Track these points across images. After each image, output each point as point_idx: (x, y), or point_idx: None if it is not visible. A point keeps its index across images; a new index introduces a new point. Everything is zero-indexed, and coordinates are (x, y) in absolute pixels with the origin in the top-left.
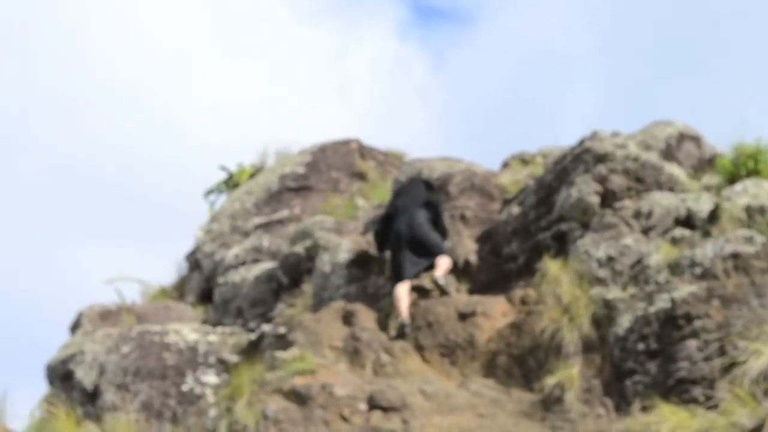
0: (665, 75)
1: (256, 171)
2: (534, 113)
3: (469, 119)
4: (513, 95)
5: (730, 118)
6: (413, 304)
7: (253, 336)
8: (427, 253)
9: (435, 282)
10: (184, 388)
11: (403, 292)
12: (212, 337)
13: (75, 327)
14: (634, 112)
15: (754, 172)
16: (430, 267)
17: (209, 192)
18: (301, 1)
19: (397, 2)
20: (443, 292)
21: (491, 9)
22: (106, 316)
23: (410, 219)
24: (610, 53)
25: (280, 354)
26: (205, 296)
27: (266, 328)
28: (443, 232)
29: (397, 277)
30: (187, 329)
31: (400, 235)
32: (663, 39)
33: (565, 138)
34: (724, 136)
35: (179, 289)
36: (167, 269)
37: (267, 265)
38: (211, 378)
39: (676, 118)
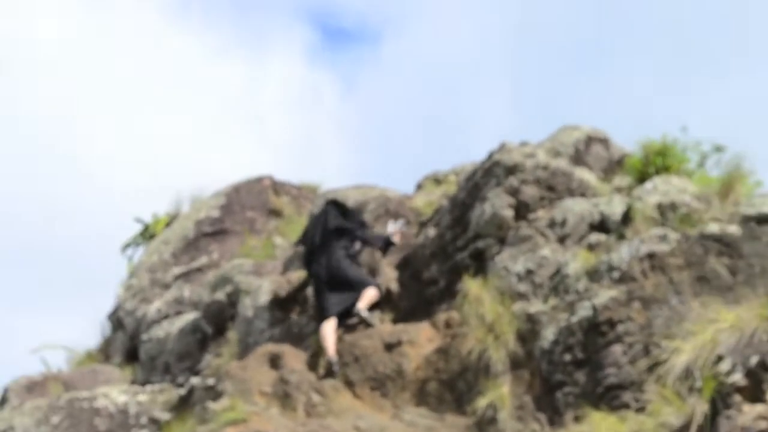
0: (571, 78)
1: (171, 219)
2: (446, 129)
3: (383, 141)
4: (424, 113)
5: (640, 114)
6: (339, 340)
7: (182, 391)
8: (350, 289)
9: (357, 314)
10: None
11: (328, 330)
12: (142, 397)
13: (2, 402)
14: (545, 118)
15: (663, 169)
16: (356, 301)
17: (126, 246)
18: (206, 37)
19: (303, 26)
20: (367, 324)
21: (397, 27)
22: (33, 387)
23: (327, 259)
24: (515, 62)
25: (211, 405)
26: (131, 355)
27: (195, 381)
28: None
29: (321, 316)
30: (116, 392)
31: (319, 277)
32: (567, 41)
33: (479, 152)
34: (634, 133)
35: (104, 351)
36: (90, 331)
37: (190, 316)
38: None
39: (584, 120)
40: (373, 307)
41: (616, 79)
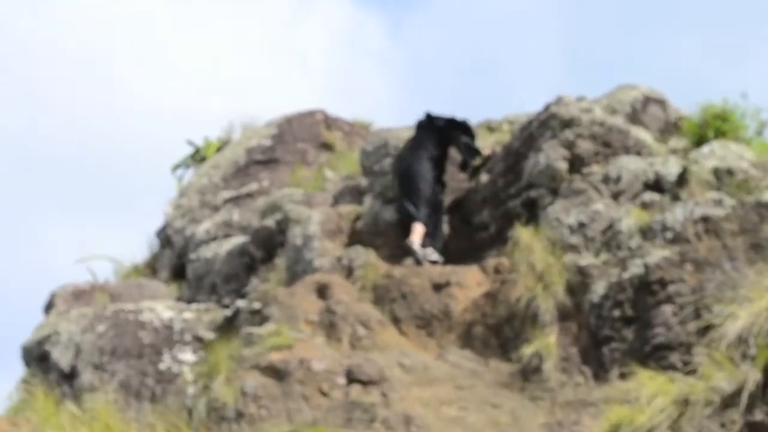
0: (627, 36)
1: (222, 145)
2: (495, 79)
3: (430, 86)
4: (473, 60)
5: (697, 79)
6: (388, 276)
7: (228, 312)
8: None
9: (408, 247)
10: (162, 366)
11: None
12: (187, 315)
13: (48, 308)
14: (597, 74)
15: (721, 134)
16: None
17: (176, 166)
18: None
19: None
20: (417, 260)
21: None
22: (80, 295)
23: (410, 159)
24: (569, 14)
25: (256, 330)
26: (178, 273)
27: (241, 303)
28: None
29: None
30: (162, 307)
31: (397, 175)
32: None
33: (529, 103)
34: (691, 97)
35: (151, 266)
36: (138, 246)
37: (238, 240)
38: (187, 356)
39: (640, 80)
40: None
41: (668, 41)
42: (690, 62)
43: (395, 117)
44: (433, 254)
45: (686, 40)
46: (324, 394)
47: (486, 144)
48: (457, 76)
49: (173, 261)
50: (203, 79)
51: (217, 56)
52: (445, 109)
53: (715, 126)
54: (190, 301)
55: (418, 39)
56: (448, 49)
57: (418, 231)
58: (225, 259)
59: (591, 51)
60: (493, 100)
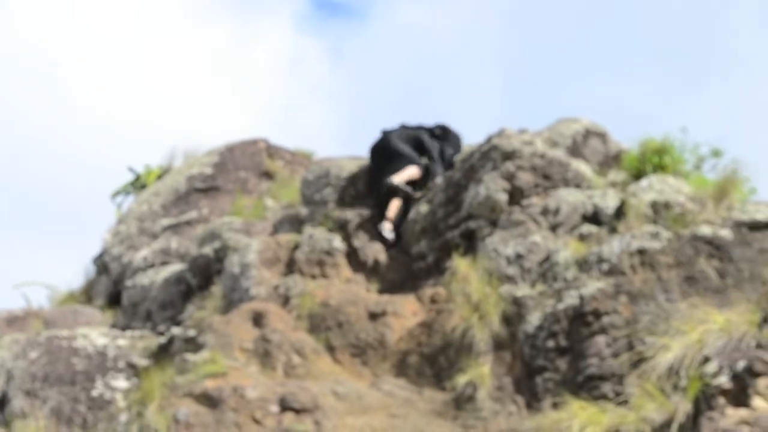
0: (567, 71)
1: (163, 172)
2: (434, 109)
3: (369, 114)
4: (412, 90)
5: (633, 114)
6: (324, 305)
7: (162, 339)
8: (401, 162)
9: (391, 185)
10: (94, 393)
11: (395, 203)
12: (121, 341)
13: None
14: (536, 107)
15: (660, 168)
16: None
17: (116, 193)
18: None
19: None
20: (407, 195)
21: (390, 1)
22: (13, 321)
23: (387, 141)
24: (510, 46)
25: (191, 357)
26: (114, 300)
27: (176, 331)
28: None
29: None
30: (96, 333)
31: (376, 153)
32: (565, 34)
33: (466, 135)
34: (628, 132)
35: (87, 293)
36: (75, 273)
37: (176, 267)
38: (121, 383)
39: (581, 114)
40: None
41: (611, 80)
42: (630, 98)
43: (334, 145)
44: (390, 233)
45: (627, 77)
46: (257, 422)
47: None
48: (397, 105)
49: (109, 288)
50: (144, 103)
51: (156, 81)
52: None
53: (654, 160)
54: (125, 328)
55: (357, 66)
56: (387, 78)
57: (407, 172)
58: (161, 287)
59: (530, 84)
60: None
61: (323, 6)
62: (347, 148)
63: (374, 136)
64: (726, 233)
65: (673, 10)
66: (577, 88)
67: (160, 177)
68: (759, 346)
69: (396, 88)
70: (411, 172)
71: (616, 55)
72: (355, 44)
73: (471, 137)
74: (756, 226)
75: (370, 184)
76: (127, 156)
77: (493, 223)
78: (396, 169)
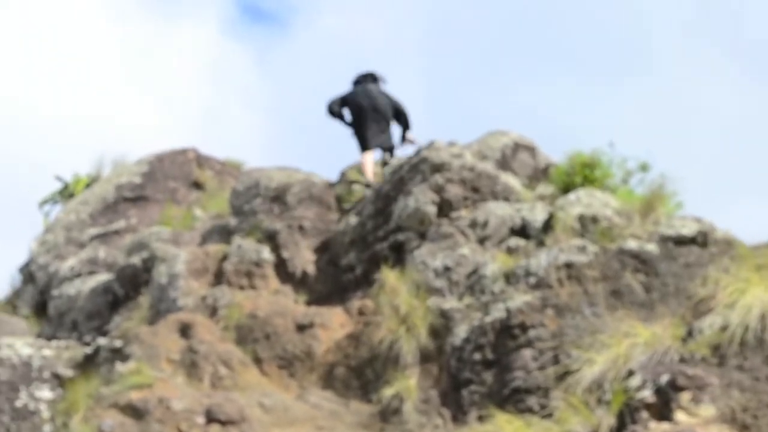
0: (489, 77)
1: (92, 181)
2: None
3: (294, 123)
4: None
5: (554, 122)
6: (252, 316)
7: (88, 350)
8: (388, 131)
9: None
10: (18, 403)
11: (369, 159)
12: (47, 351)
13: None
14: (456, 113)
15: (588, 182)
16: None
17: (44, 202)
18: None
19: (221, 1)
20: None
21: (314, 9)
22: None
23: (372, 96)
24: (431, 56)
25: (117, 368)
26: (40, 309)
27: (102, 341)
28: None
29: (363, 147)
30: (21, 343)
31: (362, 109)
32: (488, 41)
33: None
34: (550, 140)
35: (12, 303)
36: (0, 282)
37: (103, 277)
38: (45, 393)
39: (510, 127)
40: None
41: (535, 89)
42: (551, 105)
43: (260, 153)
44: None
45: (549, 85)
46: None
47: (358, 187)
48: (322, 113)
49: (35, 297)
50: (68, 108)
51: (76, 81)
52: (308, 153)
53: (582, 174)
54: (50, 338)
55: (282, 74)
56: (312, 86)
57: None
58: (88, 297)
59: (453, 91)
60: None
61: (249, 11)
62: (272, 156)
63: (293, 145)
64: (652, 248)
65: (592, 21)
66: (499, 95)
67: (88, 186)
68: (682, 360)
69: (321, 96)
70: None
71: (537, 62)
72: (280, 52)
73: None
74: (681, 241)
75: (352, 111)
76: (50, 160)
77: (422, 236)
78: (382, 131)
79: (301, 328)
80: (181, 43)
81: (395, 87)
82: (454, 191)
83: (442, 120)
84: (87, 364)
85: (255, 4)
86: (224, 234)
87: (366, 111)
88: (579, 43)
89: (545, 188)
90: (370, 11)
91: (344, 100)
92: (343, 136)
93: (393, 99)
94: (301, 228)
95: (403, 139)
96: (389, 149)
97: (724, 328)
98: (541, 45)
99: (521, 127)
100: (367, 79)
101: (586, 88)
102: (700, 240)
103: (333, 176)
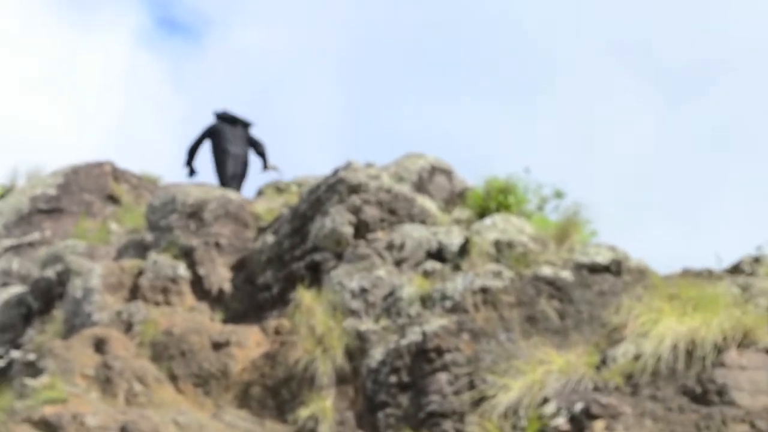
0: (404, 96)
1: (5, 192)
2: (275, 137)
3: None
4: (250, 113)
5: (482, 152)
6: (168, 334)
7: (1, 362)
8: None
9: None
10: None
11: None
12: None
13: None
14: (371, 135)
15: (503, 207)
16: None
17: None
18: (31, 8)
19: (136, 11)
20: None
21: (229, 22)
22: None
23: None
24: (346, 75)
25: (30, 382)
26: None
27: (15, 354)
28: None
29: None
30: None
31: (235, 156)
32: (403, 60)
33: (306, 159)
34: (476, 170)
35: None
36: None
37: (16, 290)
38: None
39: (427, 150)
40: None
41: (454, 113)
42: (464, 124)
43: (174, 165)
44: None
45: (463, 105)
46: None
47: (275, 205)
48: None
49: None
50: None
51: None
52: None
53: (498, 199)
54: None
55: (195, 88)
56: (226, 100)
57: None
58: (1, 309)
59: (368, 107)
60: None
61: (164, 24)
62: (178, 171)
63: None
64: (567, 275)
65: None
66: (413, 116)
67: (2, 197)
68: (596, 388)
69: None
70: None
71: (452, 84)
72: (194, 64)
73: (310, 161)
74: (596, 269)
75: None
76: None
77: (339, 256)
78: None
79: (217, 346)
80: (95, 52)
81: (309, 104)
82: (371, 213)
83: (356, 139)
84: (0, 378)
85: (170, 16)
86: (140, 249)
87: (228, 154)
88: (494, 67)
89: (461, 212)
90: (285, 26)
91: (210, 132)
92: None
93: (254, 139)
94: (217, 245)
95: (265, 167)
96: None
97: (637, 357)
98: (457, 67)
99: (436, 149)
100: (237, 122)
101: (500, 112)
102: (614, 268)
103: (249, 193)
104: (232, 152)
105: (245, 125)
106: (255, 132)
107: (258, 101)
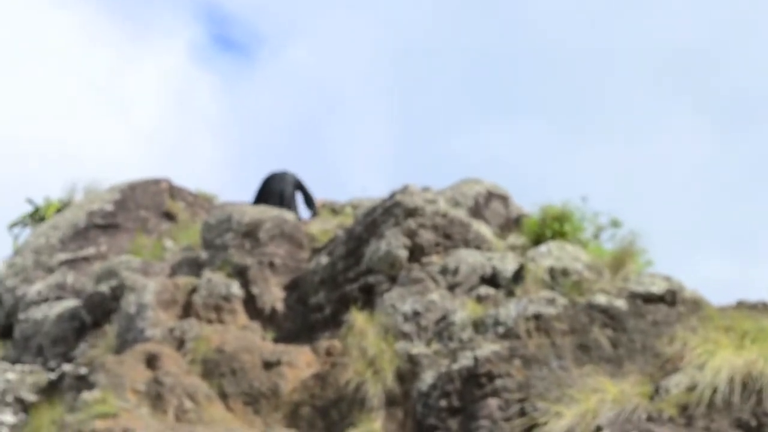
0: (458, 119)
1: (63, 206)
2: (322, 155)
3: (257, 156)
4: (300, 133)
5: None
6: (219, 350)
7: (53, 375)
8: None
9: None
10: None
11: None
12: (11, 375)
13: None
14: (423, 152)
15: (559, 234)
16: None
17: (13, 224)
18: (87, 19)
19: (192, 26)
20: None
21: (282, 41)
22: None
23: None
24: (399, 96)
25: (82, 395)
26: (5, 332)
27: (67, 368)
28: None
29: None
30: None
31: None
32: (457, 83)
33: (357, 180)
34: (533, 194)
35: None
36: None
37: (70, 303)
38: (8, 417)
39: (479, 173)
40: None
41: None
42: (519, 149)
43: (219, 182)
44: None
45: (517, 131)
46: None
47: (329, 227)
48: (285, 148)
49: (1, 320)
50: (38, 129)
51: (47, 103)
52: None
53: (553, 226)
54: (15, 361)
55: (247, 105)
56: (277, 120)
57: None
58: (54, 322)
59: (420, 130)
60: (323, 177)
61: (219, 40)
62: (233, 188)
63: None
64: (621, 303)
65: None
66: (467, 136)
67: (59, 210)
68: (650, 418)
69: (285, 130)
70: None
71: (506, 106)
72: (246, 83)
73: (364, 182)
74: (650, 299)
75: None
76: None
77: (392, 279)
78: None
79: (268, 365)
80: (149, 65)
81: (361, 126)
82: (426, 237)
83: (409, 161)
84: (51, 390)
85: (225, 33)
86: (194, 266)
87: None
88: (550, 92)
89: (516, 238)
90: (339, 47)
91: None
92: (308, 175)
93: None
94: (271, 265)
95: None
96: None
97: (691, 389)
98: (510, 93)
99: (489, 173)
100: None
101: (555, 137)
102: (669, 298)
103: (303, 213)
104: (275, 189)
105: (292, 175)
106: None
107: (311, 121)
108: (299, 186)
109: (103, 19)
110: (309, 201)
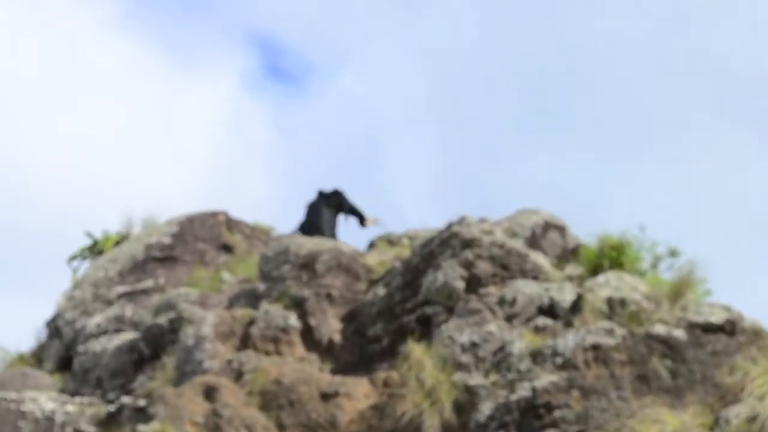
0: (506, 150)
1: (121, 239)
2: (376, 184)
3: (307, 185)
4: (353, 164)
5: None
6: (277, 382)
7: (112, 408)
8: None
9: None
10: None
11: None
12: (70, 407)
13: None
14: (468, 182)
15: (616, 265)
16: None
17: (73, 257)
18: (137, 50)
19: (243, 56)
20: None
21: (333, 71)
22: None
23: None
24: (447, 125)
25: (140, 427)
26: (64, 364)
27: (126, 400)
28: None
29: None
30: (44, 398)
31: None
32: (504, 114)
33: (404, 209)
34: (571, 215)
35: (37, 356)
36: (26, 335)
37: (129, 335)
38: None
39: (542, 206)
40: None
41: (542, 160)
42: (571, 180)
43: (276, 213)
44: None
45: (568, 162)
46: None
47: (386, 258)
48: (339, 179)
49: (60, 352)
50: (88, 161)
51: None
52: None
53: (611, 256)
54: (74, 394)
55: (299, 133)
56: (326, 150)
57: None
58: (113, 354)
59: (467, 160)
60: (377, 207)
61: (270, 70)
62: (284, 218)
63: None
64: (680, 334)
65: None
66: (522, 165)
67: (117, 243)
68: None
69: (337, 160)
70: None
71: (561, 134)
72: (297, 113)
73: (418, 213)
74: (709, 329)
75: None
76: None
77: (450, 310)
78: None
79: (326, 396)
80: (202, 96)
81: (414, 154)
82: (483, 267)
83: (461, 189)
84: (110, 422)
85: (276, 62)
86: (252, 298)
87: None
88: (606, 119)
89: (574, 269)
90: (390, 76)
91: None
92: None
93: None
94: (328, 296)
95: (362, 224)
96: None
97: (752, 419)
98: (560, 120)
99: (546, 202)
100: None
101: (611, 165)
102: (728, 328)
103: (361, 245)
104: (309, 223)
105: (325, 199)
106: (342, 194)
107: (362, 152)
108: (338, 205)
109: (153, 50)
110: (354, 213)
